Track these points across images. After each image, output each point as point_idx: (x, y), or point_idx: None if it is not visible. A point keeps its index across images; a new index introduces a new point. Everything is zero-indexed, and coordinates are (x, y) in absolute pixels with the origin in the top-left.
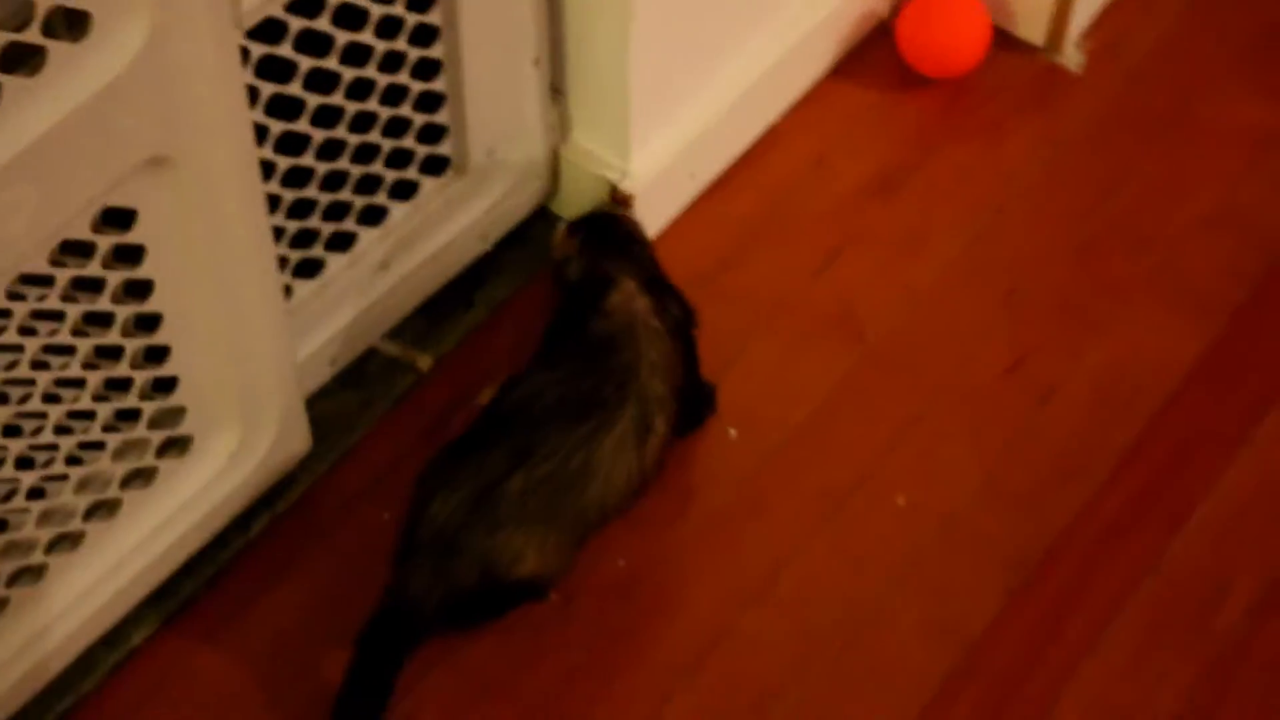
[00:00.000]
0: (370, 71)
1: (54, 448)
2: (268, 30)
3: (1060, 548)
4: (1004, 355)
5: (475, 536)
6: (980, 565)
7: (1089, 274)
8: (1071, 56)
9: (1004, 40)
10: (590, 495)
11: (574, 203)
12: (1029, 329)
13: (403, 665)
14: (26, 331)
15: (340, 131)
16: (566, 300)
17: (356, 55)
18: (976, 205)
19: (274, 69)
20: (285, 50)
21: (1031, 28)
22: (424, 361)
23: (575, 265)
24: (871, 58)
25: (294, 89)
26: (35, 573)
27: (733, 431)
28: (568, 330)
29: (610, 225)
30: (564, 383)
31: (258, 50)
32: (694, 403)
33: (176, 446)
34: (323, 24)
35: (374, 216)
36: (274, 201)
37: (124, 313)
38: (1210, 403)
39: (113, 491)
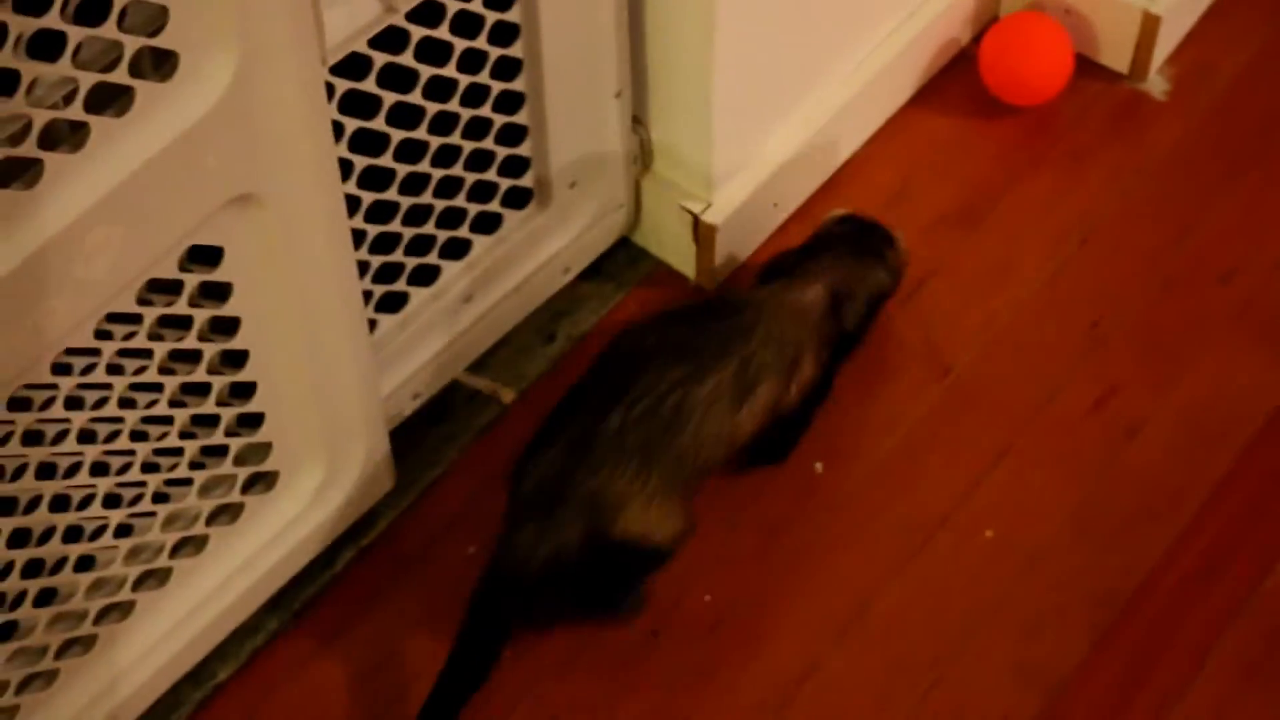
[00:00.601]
0: (453, 105)
1: (141, 484)
2: (352, 65)
3: (1149, 586)
4: (1090, 389)
5: (576, 479)
6: (1068, 603)
7: (1174, 307)
8: (1155, 84)
9: (1087, 67)
10: (684, 440)
11: (656, 234)
12: (1115, 363)
13: (509, 633)
14: (114, 370)
15: (424, 166)
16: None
17: (440, 89)
18: (1060, 236)
19: (358, 104)
20: (369, 85)
21: (1115, 55)
22: (507, 395)
23: (813, 246)
24: (953, 85)
25: (378, 124)
26: (123, 610)
27: (819, 465)
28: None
29: (871, 236)
30: (669, 332)
31: (342, 86)
32: (792, 429)
33: (262, 482)
34: (406, 59)
35: (457, 250)
36: (358, 236)
37: (211, 350)
38: None
39: (199, 528)
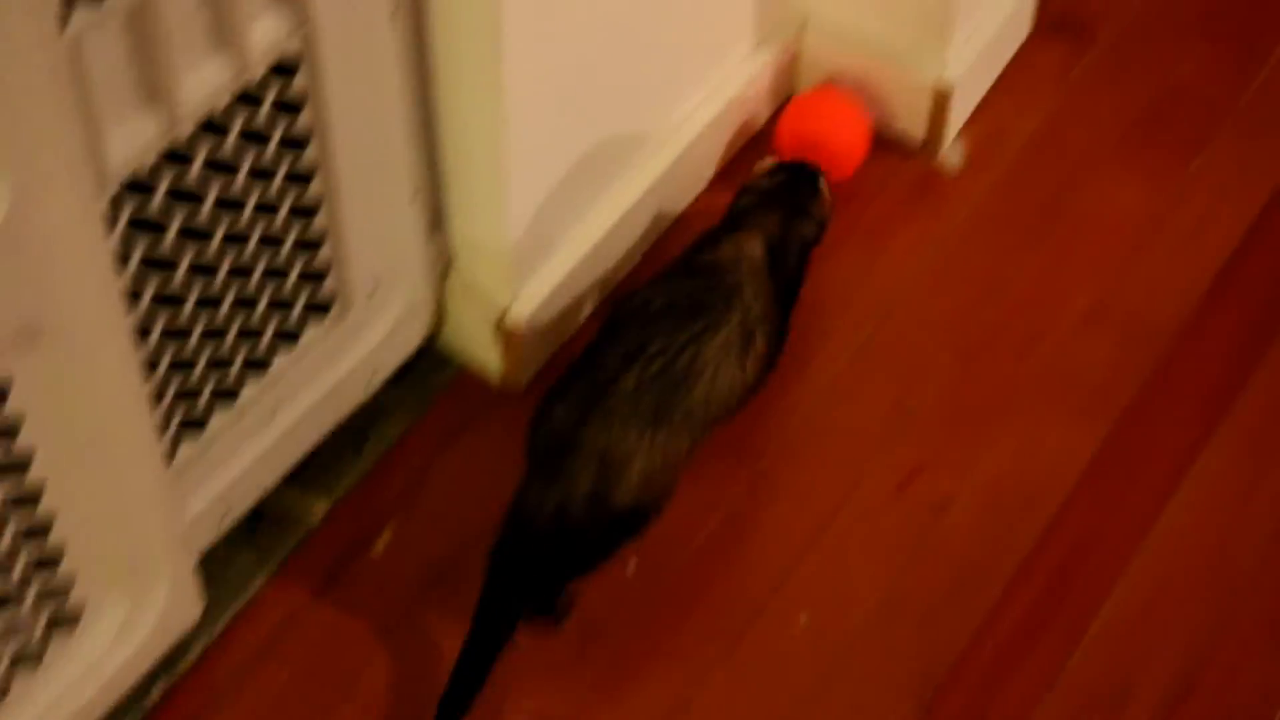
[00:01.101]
0: (244, 221)
1: None
2: (136, 187)
3: (965, 663)
4: (897, 468)
5: (588, 435)
6: (888, 683)
7: (977, 378)
8: (951, 153)
9: (883, 141)
10: (697, 394)
11: (461, 335)
12: (920, 439)
13: (530, 586)
14: None
15: (217, 284)
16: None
17: (229, 206)
18: (862, 314)
19: (146, 225)
20: (156, 206)
21: (910, 126)
22: (318, 509)
23: (745, 199)
24: (765, 148)
25: (167, 244)
26: None
27: (631, 563)
28: (683, 256)
29: (797, 187)
30: (673, 292)
31: (128, 207)
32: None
33: (64, 623)
34: (193, 176)
35: (257, 366)
36: (153, 359)
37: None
38: (1105, 505)
39: None
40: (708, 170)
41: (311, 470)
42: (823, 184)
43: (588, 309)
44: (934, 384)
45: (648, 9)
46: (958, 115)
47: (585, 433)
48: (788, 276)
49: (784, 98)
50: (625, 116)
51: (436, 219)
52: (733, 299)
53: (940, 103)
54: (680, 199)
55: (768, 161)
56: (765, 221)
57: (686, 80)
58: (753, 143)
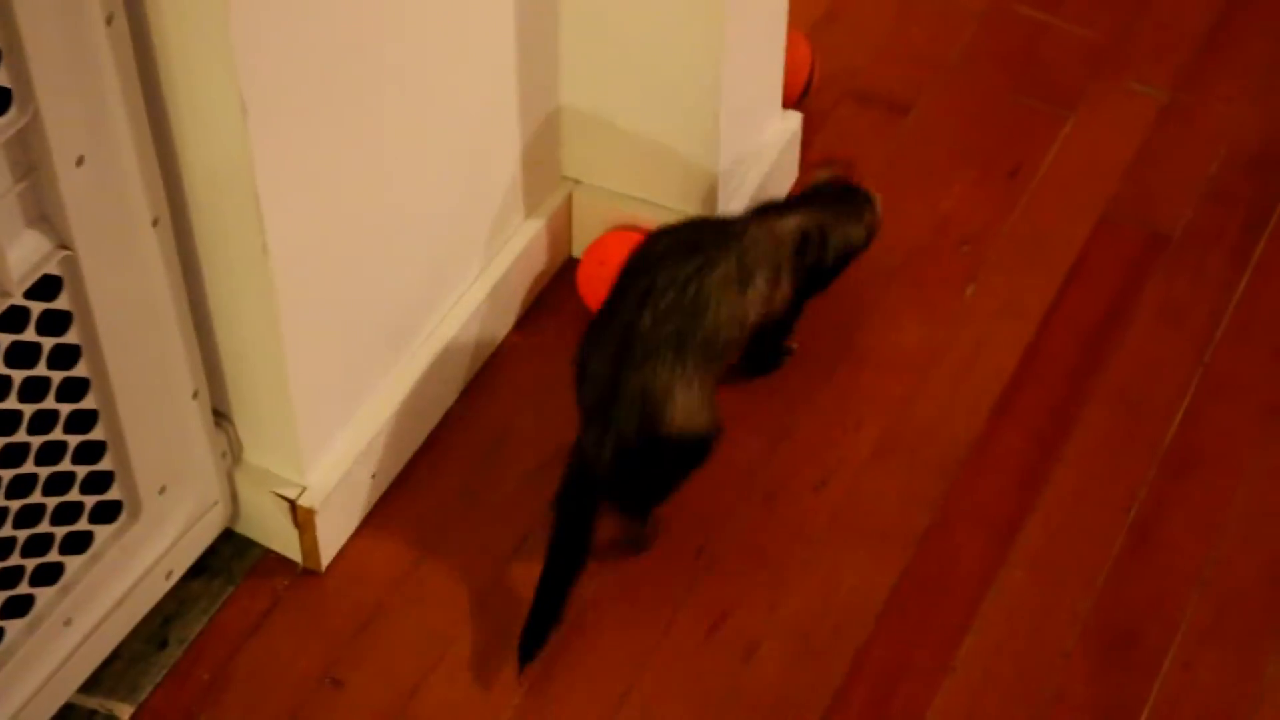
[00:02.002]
0: (21, 436)
1: None
2: None
3: None
4: (704, 615)
5: (625, 377)
6: None
7: (777, 519)
8: None
9: None
10: (708, 324)
11: (257, 523)
12: (725, 585)
13: (594, 520)
14: None
15: None
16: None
17: (5, 421)
18: None
19: None
20: None
21: None
22: (123, 711)
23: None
24: (554, 304)
25: None
26: None
27: None
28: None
29: (854, 195)
30: (677, 236)
31: None
32: (773, 340)
33: None
34: None
35: (50, 574)
36: None
37: None
38: (908, 635)
39: None
40: (499, 332)
41: (113, 674)
42: (878, 200)
43: (384, 485)
44: (735, 528)
45: (411, 197)
46: None
47: (622, 375)
48: (820, 268)
49: (565, 255)
50: (399, 298)
51: (222, 412)
52: (730, 240)
53: None
54: (471, 364)
55: (825, 171)
56: (808, 211)
57: (459, 258)
58: (540, 299)
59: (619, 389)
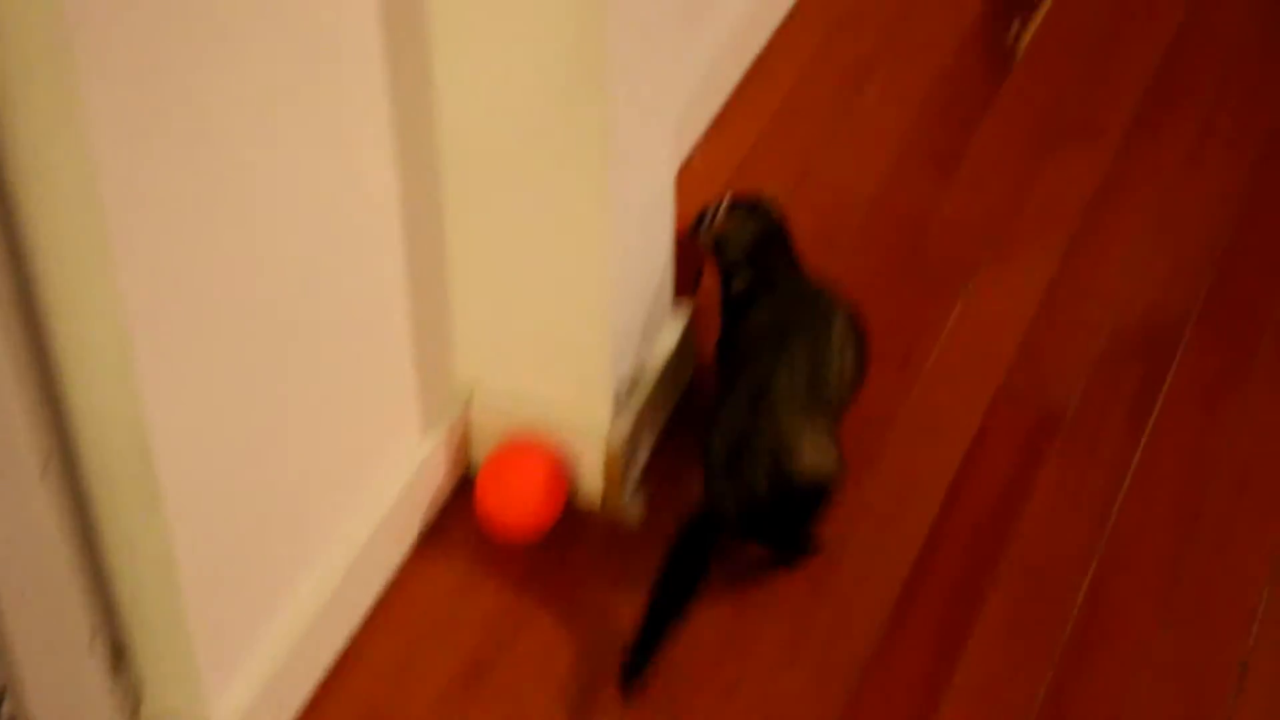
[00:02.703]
0: None
1: None
2: None
3: None
4: None
5: (759, 427)
6: None
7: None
8: (630, 510)
9: (571, 497)
10: (831, 379)
11: None
12: None
13: (708, 567)
14: None
15: None
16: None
17: None
18: (564, 683)
19: None
20: None
21: (590, 484)
22: None
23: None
24: (451, 526)
25: None
26: None
27: None
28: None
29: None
30: (776, 310)
31: None
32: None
33: None
34: None
35: None
36: None
37: None
38: None
39: None
40: (400, 548)
41: None
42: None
43: (292, 711)
44: None
45: (301, 414)
46: (632, 469)
47: (757, 429)
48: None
49: (463, 468)
50: (293, 529)
51: (121, 655)
52: (827, 306)
53: (612, 461)
54: (371, 588)
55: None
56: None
57: (355, 477)
58: (442, 513)
59: (752, 440)
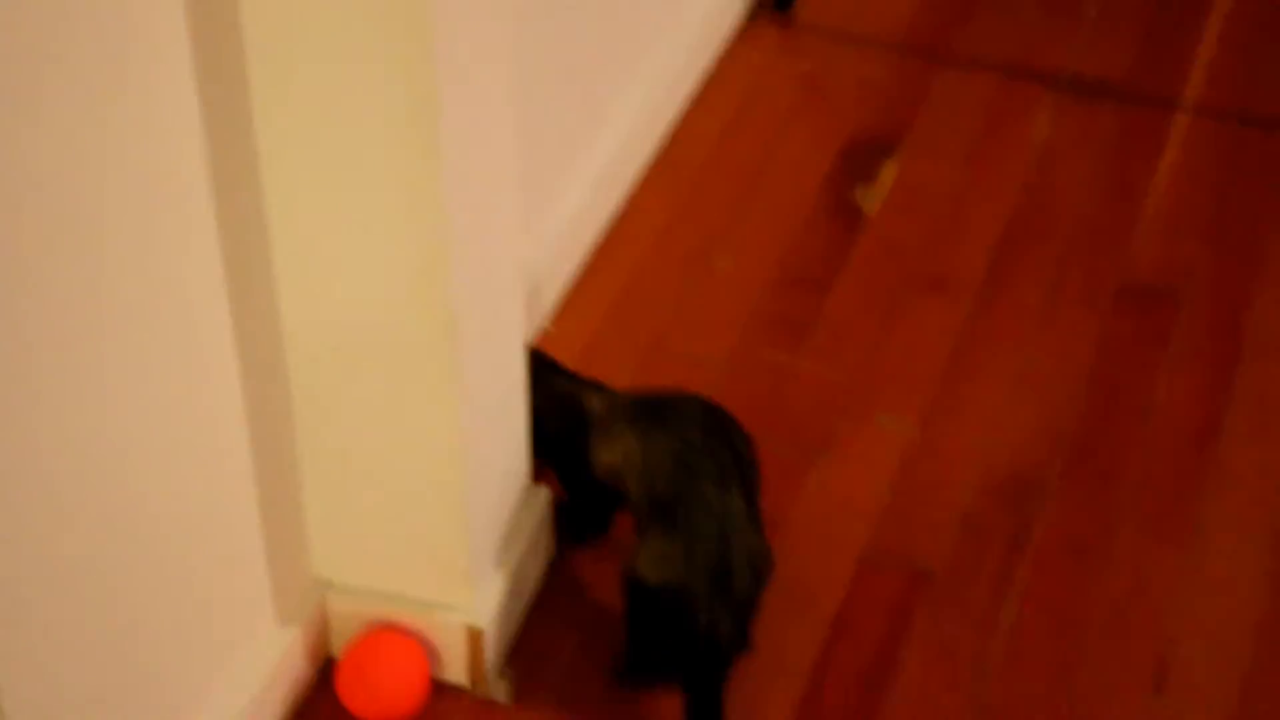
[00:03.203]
0: None
1: None
2: None
3: None
4: None
5: (735, 545)
6: None
7: None
8: (497, 689)
9: (436, 685)
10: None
11: None
12: None
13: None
14: None
15: None
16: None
17: None
18: None
19: None
20: None
21: (453, 669)
22: None
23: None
24: (315, 712)
25: None
26: None
27: None
28: None
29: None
30: (680, 426)
31: None
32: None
33: None
34: None
35: None
36: None
37: None
38: None
39: None
40: None
41: None
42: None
43: None
44: None
45: (150, 612)
46: (493, 651)
47: (733, 548)
48: None
49: (323, 659)
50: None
51: None
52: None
53: (475, 643)
54: None
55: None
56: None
57: (210, 673)
58: (304, 705)
59: (732, 560)
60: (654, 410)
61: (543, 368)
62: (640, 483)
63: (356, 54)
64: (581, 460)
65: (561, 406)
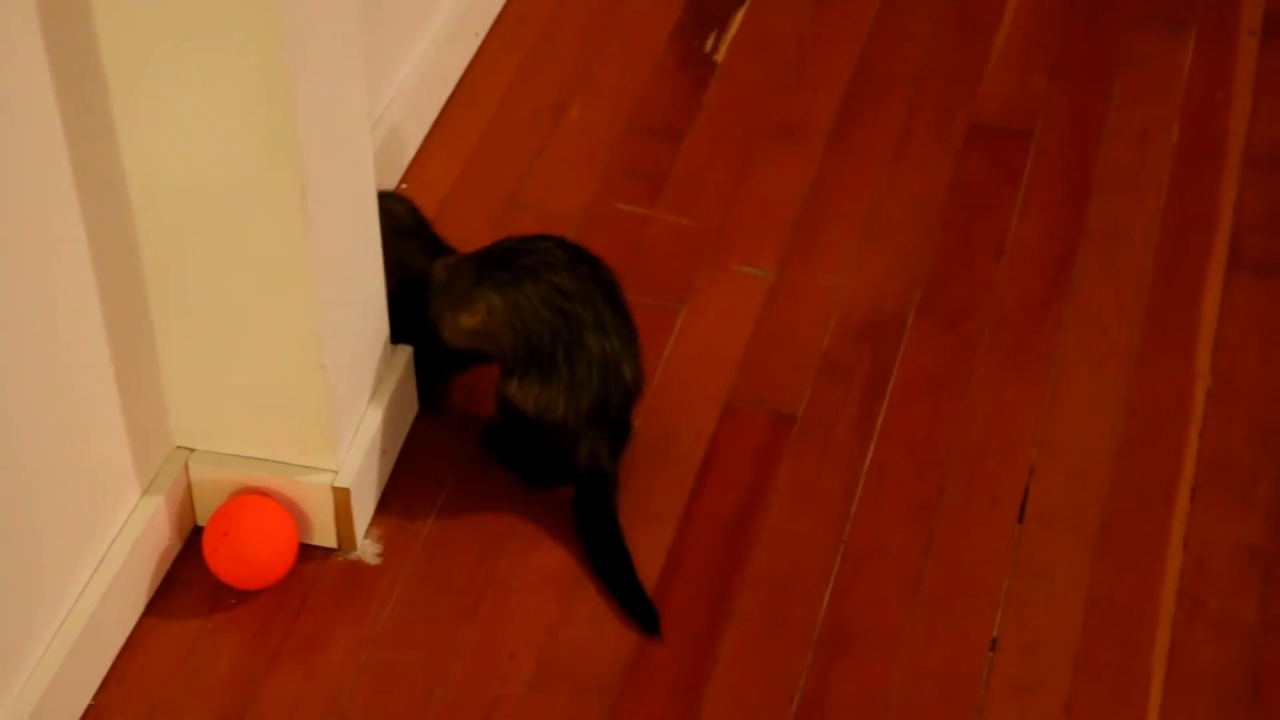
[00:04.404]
0: None
1: None
2: None
3: None
4: None
5: (624, 376)
6: None
7: None
8: (366, 549)
9: (304, 548)
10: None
11: None
12: None
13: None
14: None
15: None
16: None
17: None
18: None
19: None
20: None
21: (322, 531)
22: None
23: None
24: (185, 577)
25: None
26: None
27: None
28: None
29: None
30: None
31: None
32: None
33: None
34: None
35: None
36: None
37: None
38: None
39: None
40: (133, 609)
41: None
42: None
43: None
44: None
45: (14, 485)
46: (363, 511)
47: (612, 385)
48: None
49: (189, 527)
50: (21, 595)
51: None
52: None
53: (342, 504)
54: (104, 655)
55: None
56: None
57: (75, 543)
58: (173, 571)
59: (610, 396)
60: (507, 262)
61: (391, 230)
62: (514, 336)
63: None
64: (424, 328)
65: (401, 273)
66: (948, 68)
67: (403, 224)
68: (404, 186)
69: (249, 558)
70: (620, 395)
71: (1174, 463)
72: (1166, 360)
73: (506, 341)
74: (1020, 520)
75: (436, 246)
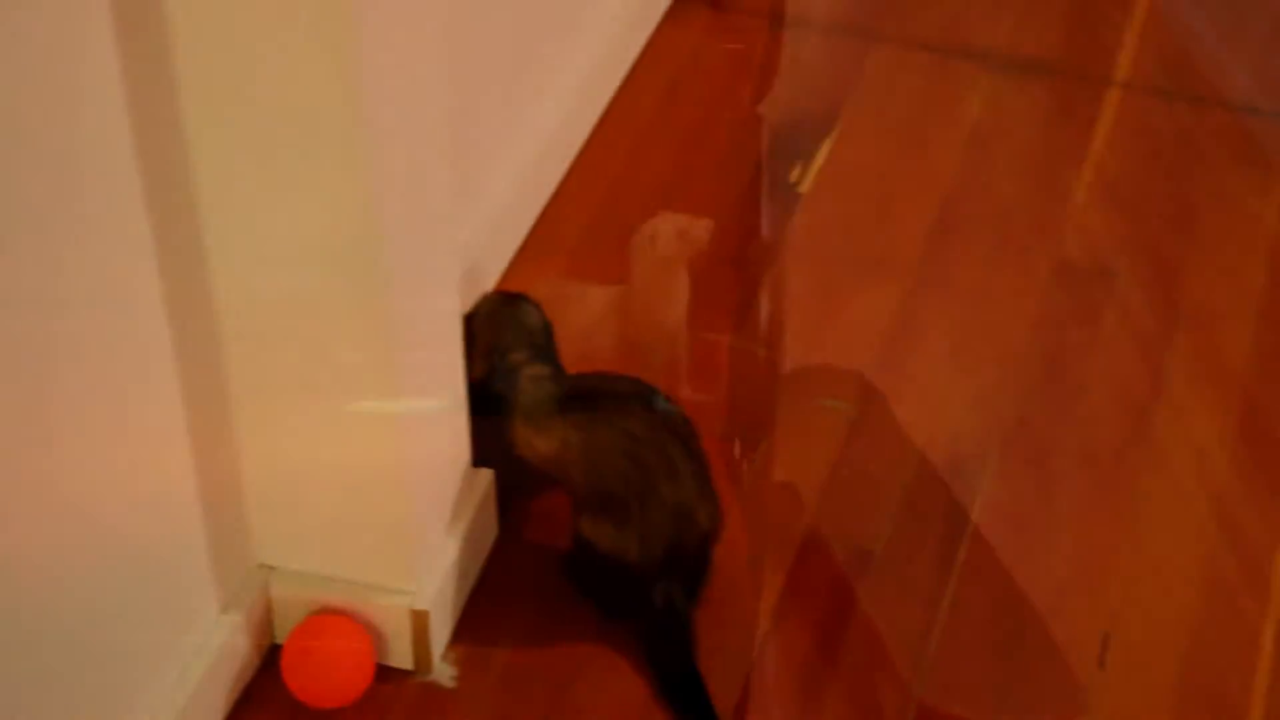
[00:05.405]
0: None
1: None
2: None
3: None
4: None
5: (699, 521)
6: None
7: None
8: (442, 672)
9: (381, 669)
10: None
11: None
12: None
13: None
14: None
15: None
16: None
17: None
18: None
19: None
20: None
21: (399, 653)
22: None
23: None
24: (261, 696)
25: None
26: None
27: None
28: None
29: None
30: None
31: None
32: None
33: None
34: None
35: None
36: None
37: None
38: None
39: None
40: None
41: None
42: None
43: None
44: None
45: (93, 603)
46: (440, 634)
47: (686, 531)
48: None
49: (268, 645)
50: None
51: None
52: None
53: (420, 626)
54: None
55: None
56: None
57: (153, 662)
58: (248, 691)
59: (685, 540)
60: (589, 398)
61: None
62: (587, 476)
63: (282, 20)
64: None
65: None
66: (1033, 205)
67: (532, 327)
68: None
69: (326, 677)
70: (696, 540)
71: (1258, 613)
72: (1254, 503)
73: (579, 479)
74: (1100, 666)
75: (548, 356)
